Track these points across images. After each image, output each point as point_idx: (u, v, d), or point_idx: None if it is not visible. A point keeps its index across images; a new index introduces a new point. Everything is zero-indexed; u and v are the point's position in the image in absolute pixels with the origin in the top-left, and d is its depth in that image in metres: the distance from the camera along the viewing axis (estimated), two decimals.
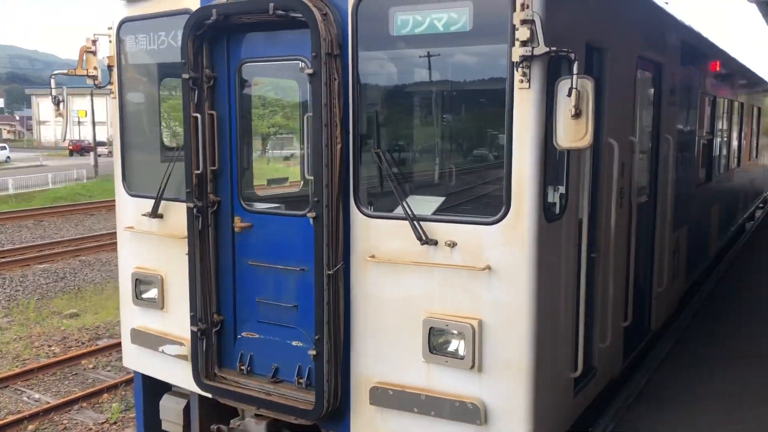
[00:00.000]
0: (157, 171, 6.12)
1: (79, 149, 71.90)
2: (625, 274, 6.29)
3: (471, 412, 4.58)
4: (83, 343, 12.62)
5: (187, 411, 6.22)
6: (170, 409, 6.29)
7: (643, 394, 6.09)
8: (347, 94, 4.75)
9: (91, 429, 9.10)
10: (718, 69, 10.54)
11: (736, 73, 12.91)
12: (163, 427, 6.44)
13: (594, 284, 5.53)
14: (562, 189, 4.84)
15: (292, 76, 6.21)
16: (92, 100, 50.09)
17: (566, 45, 4.19)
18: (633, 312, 6.48)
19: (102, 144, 64.58)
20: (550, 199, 4.68)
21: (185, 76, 5.20)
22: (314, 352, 4.91)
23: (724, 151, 12.03)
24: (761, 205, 20.12)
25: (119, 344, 11.94)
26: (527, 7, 4.10)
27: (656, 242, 7.50)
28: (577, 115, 4.08)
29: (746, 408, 5.88)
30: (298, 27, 4.79)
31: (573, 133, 4.13)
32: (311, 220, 4.82)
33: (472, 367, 4.56)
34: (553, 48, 4.13)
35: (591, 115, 4.09)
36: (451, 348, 4.64)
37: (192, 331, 5.50)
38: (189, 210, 5.37)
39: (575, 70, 4.07)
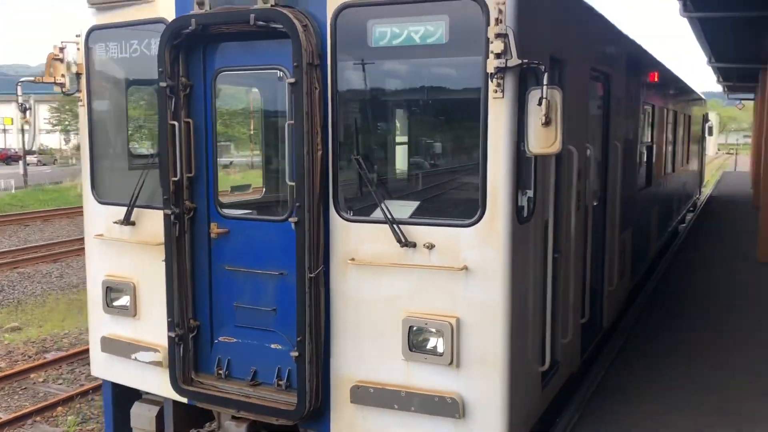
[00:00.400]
0: (128, 179, 6.15)
1: (5, 158, 69.03)
2: (582, 273, 6.65)
3: (450, 406, 4.79)
4: (30, 357, 12.26)
5: (159, 418, 6.23)
6: (142, 417, 6.27)
7: (601, 387, 6.45)
8: (326, 103, 4.92)
9: None
10: (656, 80, 11.15)
11: (670, 84, 13.64)
12: None
13: (557, 283, 5.84)
14: (530, 193, 5.12)
15: (263, 85, 6.32)
16: None
17: (534, 57, 4.48)
18: (588, 310, 6.84)
19: (31, 153, 62.21)
20: (519, 203, 4.95)
21: (163, 84, 5.26)
22: (296, 354, 5.03)
23: (661, 157, 12.69)
24: (692, 208, 21.19)
25: (68, 357, 11.85)
26: (501, 21, 4.36)
27: (607, 243, 7.91)
28: (547, 123, 4.36)
29: (692, 396, 6.30)
30: (277, 37, 4.93)
31: (543, 140, 4.41)
32: (293, 225, 4.95)
33: (451, 363, 4.78)
34: (525, 60, 4.41)
35: (560, 122, 4.38)
36: (430, 345, 4.84)
37: (169, 337, 5.53)
38: (166, 216, 5.41)
39: (545, 81, 4.36)
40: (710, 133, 24.86)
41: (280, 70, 5.15)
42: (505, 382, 4.76)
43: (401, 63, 4.94)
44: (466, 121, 4.98)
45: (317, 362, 5.07)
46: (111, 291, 6.10)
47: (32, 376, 11.17)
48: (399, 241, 4.78)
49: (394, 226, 4.78)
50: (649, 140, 10.99)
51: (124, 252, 6.00)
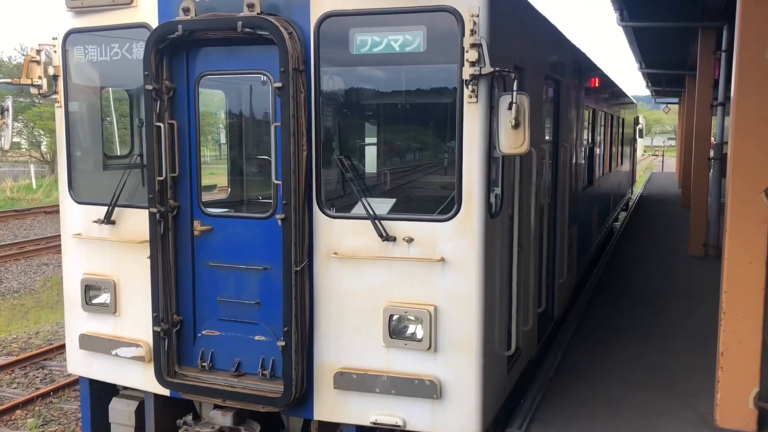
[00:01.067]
0: (105, 179, 6.30)
1: None
2: (539, 266, 7.14)
3: (428, 388, 5.17)
4: None
5: (138, 413, 6.37)
6: (121, 412, 6.41)
7: (559, 369, 6.97)
8: (310, 106, 5.22)
9: None
10: (596, 85, 11.86)
11: (608, 89, 14.45)
12: (113, 431, 6.54)
13: (520, 274, 6.29)
14: (497, 190, 5.54)
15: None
16: None
17: (502, 65, 4.91)
18: (544, 300, 7.35)
19: None
20: (489, 199, 5.37)
21: (149, 87, 5.43)
22: (283, 343, 5.31)
23: (601, 158, 13.46)
24: (624, 208, 22.29)
25: (20, 361, 11.67)
26: (475, 32, 4.77)
27: (557, 238, 8.46)
28: (516, 125, 4.78)
29: (641, 375, 6.90)
30: (261, 43, 5.20)
31: (513, 141, 4.82)
32: (280, 222, 5.22)
33: (429, 348, 5.15)
34: (497, 68, 4.82)
35: (527, 125, 4.81)
36: (410, 332, 5.20)
37: (155, 331, 5.70)
38: (152, 215, 5.59)
39: (515, 88, 4.78)
40: (641, 136, 26.19)
41: (264, 74, 5.41)
42: (479, 364, 5.16)
43: (381, 69, 5.28)
44: (443, 124, 5.37)
45: (302, 351, 5.36)
46: (90, 289, 6.21)
47: None
48: (380, 235, 5.13)
49: (376, 221, 5.13)
50: (591, 142, 11.69)
51: (104, 250, 6.13)
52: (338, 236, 5.31)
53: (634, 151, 25.08)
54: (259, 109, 6.65)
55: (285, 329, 5.30)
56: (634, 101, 23.74)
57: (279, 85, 5.09)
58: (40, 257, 21.47)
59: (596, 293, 10.45)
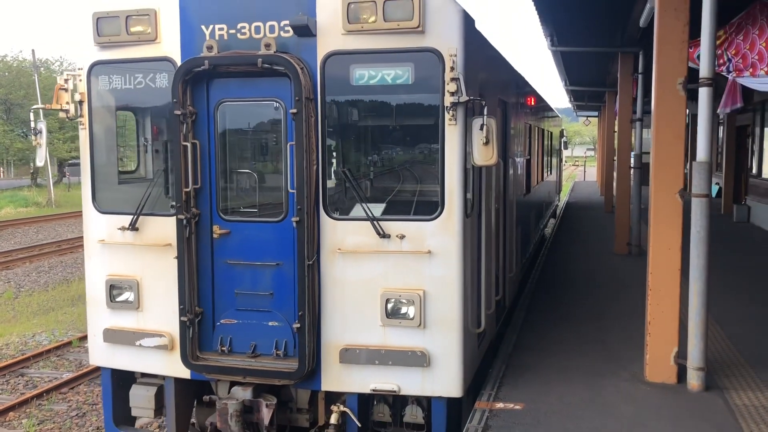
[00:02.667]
0: (124, 193, 7.20)
1: None
2: (497, 260, 8.40)
3: (419, 358, 6.30)
4: None
5: (157, 397, 7.23)
6: (141, 396, 7.25)
7: (517, 346, 8.24)
8: (317, 128, 6.30)
9: None
10: (532, 103, 13.34)
11: (541, 106, 16.04)
12: (134, 414, 7.38)
13: (486, 265, 7.51)
14: (469, 195, 6.75)
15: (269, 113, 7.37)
16: None
17: (473, 94, 6.14)
18: (501, 290, 8.61)
19: None
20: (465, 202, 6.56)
21: (177, 112, 6.38)
22: (298, 325, 6.34)
23: (536, 169, 14.98)
24: (553, 214, 24.09)
25: (4, 367, 12.09)
26: (454, 68, 5.98)
27: (507, 238, 9.77)
28: (487, 142, 6.02)
29: (584, 348, 8.25)
30: (273, 75, 6.26)
31: (485, 155, 6.07)
32: (294, 224, 6.27)
33: (419, 325, 6.29)
34: (472, 97, 6.05)
35: (496, 142, 6.05)
36: (403, 312, 6.33)
37: (181, 321, 6.61)
38: (179, 221, 6.53)
39: (485, 112, 6.01)
40: (566, 147, 28.20)
41: (276, 101, 6.45)
42: (460, 337, 6.34)
43: (376, 98, 6.42)
44: (428, 142, 6.54)
45: (313, 332, 6.40)
46: (114, 288, 7.05)
47: None
48: (378, 233, 6.25)
49: (375, 222, 6.24)
50: (528, 154, 13.15)
51: (127, 254, 6.99)
52: (342, 235, 6.40)
53: (560, 161, 27.05)
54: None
55: (300, 313, 6.33)
56: (560, 115, 25.68)
57: (294, 111, 6.15)
58: None
59: (538, 286, 11.87)
